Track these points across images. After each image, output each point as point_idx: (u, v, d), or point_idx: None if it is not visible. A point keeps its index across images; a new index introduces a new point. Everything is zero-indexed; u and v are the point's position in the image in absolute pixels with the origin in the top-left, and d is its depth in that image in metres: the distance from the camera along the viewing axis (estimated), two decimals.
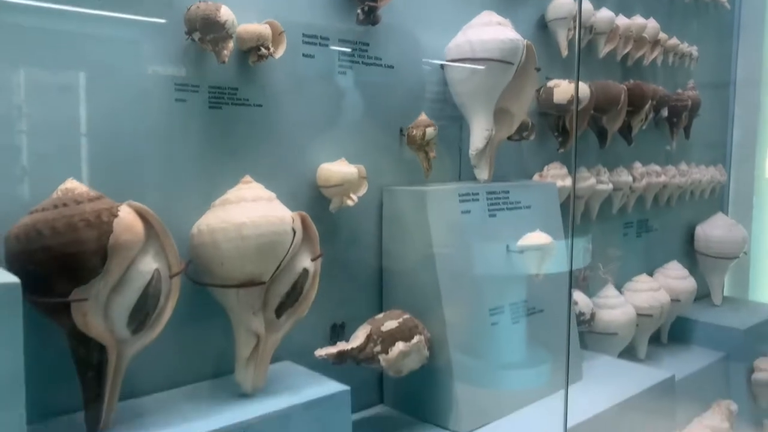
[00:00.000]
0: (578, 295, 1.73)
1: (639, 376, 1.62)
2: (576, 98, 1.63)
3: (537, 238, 1.39)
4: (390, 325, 1.24)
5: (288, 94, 1.22)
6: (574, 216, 1.78)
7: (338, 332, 1.35)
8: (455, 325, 1.30)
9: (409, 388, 1.36)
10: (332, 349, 1.20)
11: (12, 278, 0.67)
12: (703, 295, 2.34)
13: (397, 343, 1.22)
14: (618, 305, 1.86)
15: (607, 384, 1.56)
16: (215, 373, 1.14)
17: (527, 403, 1.41)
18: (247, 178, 1.07)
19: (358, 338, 1.23)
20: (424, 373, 1.29)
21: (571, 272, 1.44)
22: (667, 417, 1.66)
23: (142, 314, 0.90)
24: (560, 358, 1.52)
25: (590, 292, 1.84)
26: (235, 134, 1.15)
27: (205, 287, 1.03)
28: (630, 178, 1.96)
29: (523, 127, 1.57)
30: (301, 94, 1.23)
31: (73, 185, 0.87)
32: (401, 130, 1.40)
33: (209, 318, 1.10)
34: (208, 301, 1.06)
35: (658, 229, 2.22)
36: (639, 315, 1.92)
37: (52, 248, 0.80)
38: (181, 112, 1.08)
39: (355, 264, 1.36)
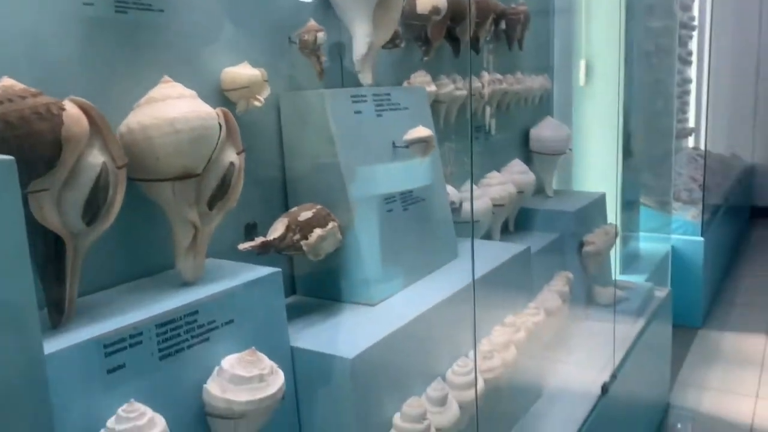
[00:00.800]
0: (449, 188, 1.95)
1: (502, 251, 1.90)
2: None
3: (420, 131, 1.57)
4: (306, 215, 1.35)
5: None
6: (447, 119, 1.98)
7: (252, 231, 1.44)
8: (360, 213, 1.45)
9: (320, 274, 1.49)
10: (256, 242, 1.30)
11: (5, 156, 0.69)
12: (537, 190, 2.70)
13: (315, 230, 1.34)
14: (477, 197, 2.12)
15: (478, 259, 1.81)
16: (154, 269, 1.20)
17: (424, 276, 1.61)
18: (167, 78, 1.11)
19: (277, 230, 1.34)
20: (334, 259, 1.44)
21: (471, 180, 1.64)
22: (527, 282, 1.97)
23: (94, 206, 0.94)
24: (442, 238, 1.74)
25: (456, 186, 2.08)
26: (142, 39, 1.17)
27: (140, 184, 1.07)
28: (480, 85, 2.21)
29: (394, 36, 1.72)
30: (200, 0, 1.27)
31: (11, 82, 0.87)
32: (290, 38, 1.48)
33: (144, 216, 1.15)
34: (142, 201, 1.10)
35: (501, 132, 2.52)
36: (494, 205, 2.20)
37: (8, 141, 0.81)
38: (89, 15, 1.08)
39: (259, 168, 1.45)
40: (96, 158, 0.93)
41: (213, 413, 1.03)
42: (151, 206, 1.12)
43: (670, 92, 4.23)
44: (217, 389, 1.03)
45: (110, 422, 0.88)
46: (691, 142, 5.71)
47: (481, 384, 1.46)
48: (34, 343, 0.71)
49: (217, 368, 1.06)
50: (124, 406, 0.89)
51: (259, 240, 1.30)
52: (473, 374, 1.44)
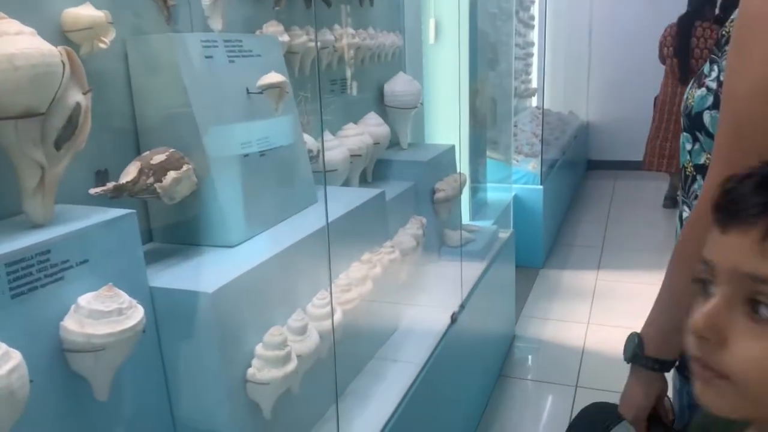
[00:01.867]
0: (306, 137, 2.02)
1: (359, 195, 2.00)
2: None
3: (273, 77, 1.61)
4: (159, 158, 1.36)
5: None
6: (302, 70, 2.03)
7: (103, 178, 1.42)
8: (215, 158, 1.48)
9: (177, 220, 1.51)
10: (107, 186, 1.29)
11: None
12: (392, 143, 2.84)
13: (169, 173, 1.36)
14: (335, 147, 2.20)
15: (337, 202, 1.91)
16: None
17: (283, 219, 1.68)
18: (2, 14, 1.07)
19: (129, 173, 1.34)
20: (191, 204, 1.46)
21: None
22: (383, 225, 2.10)
23: None
24: (300, 184, 1.82)
25: (313, 136, 2.15)
26: None
27: None
28: (333, 38, 2.27)
29: None
30: None
31: None
32: None
33: None
34: None
35: (357, 86, 2.61)
36: (351, 155, 2.29)
37: None
38: None
39: (109, 115, 1.42)
40: None
41: (72, 348, 1.04)
42: None
43: (511, 54, 4.54)
44: (74, 325, 1.04)
45: None
46: (534, 101, 6.17)
47: (339, 315, 1.57)
48: None
49: (73, 306, 1.06)
50: None
51: (111, 184, 1.30)
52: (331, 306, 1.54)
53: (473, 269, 2.64)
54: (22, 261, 1.01)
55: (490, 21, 3.91)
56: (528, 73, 5.81)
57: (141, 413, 1.24)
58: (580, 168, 6.88)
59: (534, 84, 5.89)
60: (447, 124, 3.21)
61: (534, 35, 5.83)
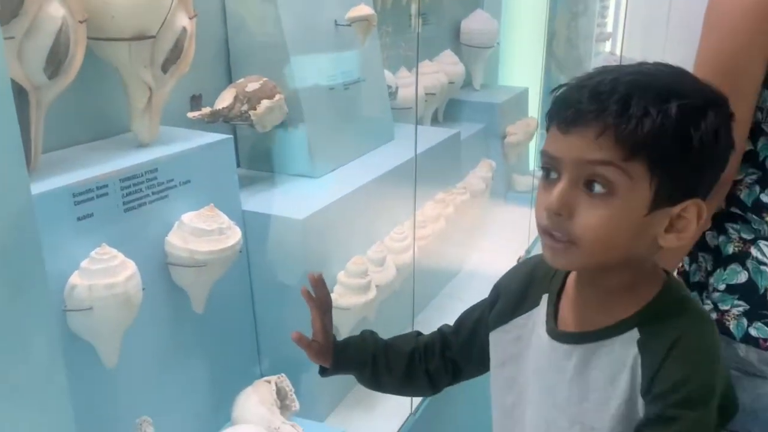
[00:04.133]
0: (386, 72, 2.01)
1: (434, 135, 2.01)
2: None
3: (362, 9, 1.61)
4: (253, 86, 1.40)
5: None
6: (384, 5, 2.01)
7: (197, 102, 1.46)
8: (303, 89, 1.51)
9: (264, 147, 1.55)
10: (204, 110, 1.34)
11: None
12: (465, 84, 2.80)
13: (262, 101, 1.39)
14: (412, 84, 2.20)
15: (412, 140, 1.91)
16: (109, 132, 1.22)
17: (362, 154, 1.70)
18: None
19: (225, 99, 1.38)
20: (278, 133, 1.50)
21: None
22: (456, 165, 2.10)
23: (56, 59, 0.96)
24: (379, 120, 1.83)
25: (391, 71, 2.15)
26: None
27: (95, 44, 1.08)
28: None
29: None
30: None
31: None
32: None
33: (98, 79, 1.16)
34: (95, 63, 1.11)
35: (434, 23, 2.57)
36: (426, 93, 2.28)
37: None
38: None
39: (203, 40, 1.45)
40: (57, 10, 0.94)
41: (175, 262, 1.11)
42: (104, 69, 1.14)
43: None
44: (179, 240, 1.10)
45: (84, 263, 0.95)
46: (608, 46, 5.93)
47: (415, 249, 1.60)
48: (22, 186, 0.75)
49: (177, 222, 1.13)
50: (97, 249, 0.95)
51: (207, 109, 1.34)
52: (408, 240, 1.57)
53: None
54: (133, 177, 1.07)
55: None
56: (604, 17, 5.57)
57: (229, 329, 1.32)
58: None
59: (609, 28, 5.65)
60: (522, 66, 3.14)
61: None
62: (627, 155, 0.65)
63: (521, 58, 3.13)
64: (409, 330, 1.01)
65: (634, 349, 0.70)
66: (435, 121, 2.51)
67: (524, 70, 3.10)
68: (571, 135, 0.67)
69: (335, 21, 1.62)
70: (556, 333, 0.77)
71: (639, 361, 0.70)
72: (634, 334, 0.71)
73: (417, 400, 1.41)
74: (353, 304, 1.35)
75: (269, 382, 1.26)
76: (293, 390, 1.28)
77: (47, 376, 0.81)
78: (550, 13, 3.13)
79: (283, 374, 1.28)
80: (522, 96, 2.88)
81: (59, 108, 1.07)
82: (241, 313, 1.35)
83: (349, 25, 1.62)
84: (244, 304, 1.35)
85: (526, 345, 0.82)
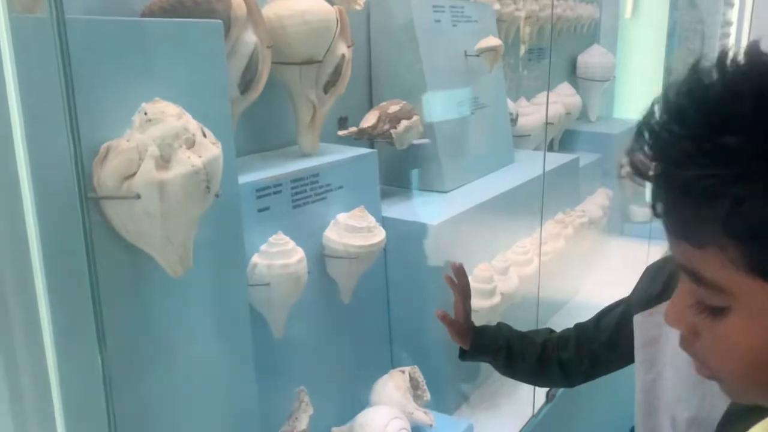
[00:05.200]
0: (507, 101, 2.14)
1: (554, 159, 2.10)
2: None
3: (491, 41, 1.75)
4: (394, 108, 1.56)
5: None
6: (506, 39, 2.15)
7: (344, 122, 1.65)
8: (436, 112, 1.66)
9: (398, 165, 1.71)
10: (352, 129, 1.52)
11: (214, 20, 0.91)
12: (581, 115, 2.87)
13: (402, 121, 1.55)
14: (531, 113, 2.31)
15: (533, 164, 2.02)
16: (275, 145, 1.42)
17: (485, 174, 1.83)
18: None
19: (369, 120, 1.55)
20: (412, 151, 1.65)
21: None
22: (574, 191, 2.18)
23: (248, 77, 1.16)
24: (501, 143, 1.95)
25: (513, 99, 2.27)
26: None
27: (274, 65, 1.28)
28: (536, 7, 2.36)
29: None
30: None
31: None
32: None
33: (272, 98, 1.36)
34: (268, 84, 1.31)
35: (553, 56, 2.67)
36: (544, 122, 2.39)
37: (195, 15, 1.03)
38: None
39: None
40: (250, 37, 1.14)
41: (332, 254, 1.27)
42: (275, 90, 1.34)
43: (709, 33, 4.29)
44: (335, 235, 1.27)
45: (264, 247, 1.12)
46: None
47: (534, 265, 1.69)
48: (232, 182, 0.94)
49: (332, 221, 1.29)
50: (275, 236, 1.13)
51: (354, 128, 1.52)
52: (530, 254, 1.67)
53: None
54: (301, 180, 1.25)
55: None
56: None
57: (368, 320, 1.46)
58: None
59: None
60: (637, 100, 3.16)
61: (733, 14, 5.43)
62: None
63: (636, 92, 3.16)
64: None
65: None
66: (551, 149, 2.60)
67: (639, 104, 3.11)
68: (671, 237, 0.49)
69: (465, 51, 1.78)
70: None
71: None
72: None
73: (539, 402, 1.49)
74: (480, 307, 1.46)
75: (403, 372, 1.38)
76: (424, 381, 1.40)
77: (237, 338, 1.00)
78: (666, 50, 3.16)
79: (416, 366, 1.40)
80: None
81: (242, 121, 1.28)
82: (378, 308, 1.49)
83: (478, 56, 1.77)
84: (381, 300, 1.49)
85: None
